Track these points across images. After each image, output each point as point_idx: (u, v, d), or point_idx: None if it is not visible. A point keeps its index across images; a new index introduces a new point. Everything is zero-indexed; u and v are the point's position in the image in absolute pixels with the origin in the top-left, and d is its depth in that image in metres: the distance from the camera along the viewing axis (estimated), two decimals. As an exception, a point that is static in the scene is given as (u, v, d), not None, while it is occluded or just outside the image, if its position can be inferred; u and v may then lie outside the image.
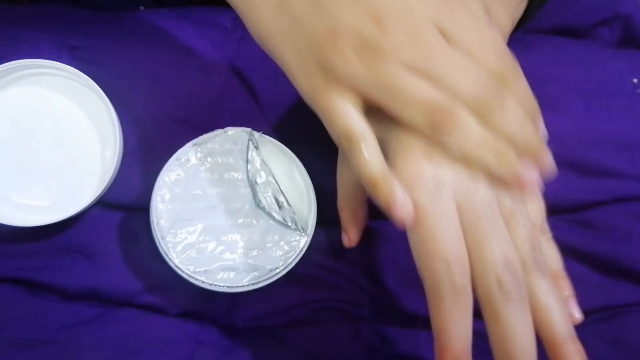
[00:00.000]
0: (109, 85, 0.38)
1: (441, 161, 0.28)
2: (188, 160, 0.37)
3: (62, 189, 0.39)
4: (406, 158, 0.28)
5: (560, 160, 0.40)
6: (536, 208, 0.31)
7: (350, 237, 0.37)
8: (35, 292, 0.38)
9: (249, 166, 0.37)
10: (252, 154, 0.37)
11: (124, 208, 0.39)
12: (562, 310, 0.28)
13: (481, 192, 0.28)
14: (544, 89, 0.36)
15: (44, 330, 0.37)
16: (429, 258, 0.27)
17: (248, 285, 0.35)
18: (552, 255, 0.32)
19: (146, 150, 0.40)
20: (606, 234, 0.37)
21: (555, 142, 0.40)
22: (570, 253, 0.37)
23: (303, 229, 0.36)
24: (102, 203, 0.39)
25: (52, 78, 0.39)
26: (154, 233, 0.36)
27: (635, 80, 0.41)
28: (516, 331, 0.27)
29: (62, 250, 0.38)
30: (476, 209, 0.27)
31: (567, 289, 0.32)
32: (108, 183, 0.38)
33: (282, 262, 0.36)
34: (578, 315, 0.31)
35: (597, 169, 0.39)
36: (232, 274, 0.35)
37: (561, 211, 0.39)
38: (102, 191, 0.38)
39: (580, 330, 0.35)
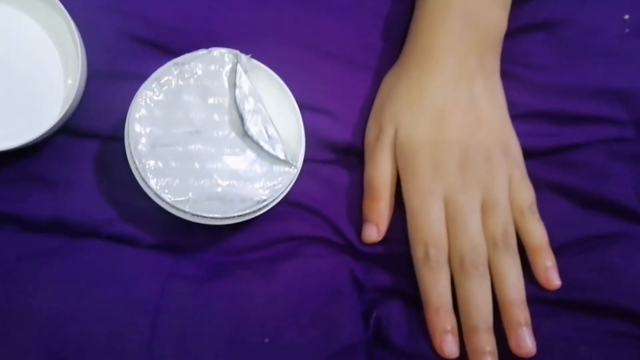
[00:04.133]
0: (73, 4, 0.35)
1: (440, 176, 0.36)
2: (169, 81, 0.34)
3: (19, 115, 0.35)
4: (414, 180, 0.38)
5: (537, 112, 0.40)
6: (525, 194, 0.37)
7: (381, 229, 0.38)
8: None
9: (237, 91, 0.34)
10: (240, 78, 0.34)
11: (96, 136, 0.36)
12: (517, 281, 0.36)
13: (464, 195, 0.36)
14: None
15: (1, 262, 0.33)
16: (414, 242, 0.37)
17: (234, 217, 0.33)
18: (538, 232, 0.37)
19: (115, 76, 0.37)
20: (587, 170, 0.38)
21: (530, 95, 0.40)
22: (550, 188, 0.38)
23: (293, 161, 0.34)
24: (69, 131, 0.35)
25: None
26: (129, 158, 0.33)
27: (627, 17, 0.41)
28: (473, 297, 0.35)
29: (21, 179, 0.35)
30: (457, 208, 0.36)
31: (549, 260, 0.37)
32: (69, 109, 0.34)
33: (270, 194, 0.34)
34: (557, 282, 0.36)
35: (575, 115, 0.40)
36: (217, 205, 0.33)
37: (541, 154, 0.39)
38: (63, 117, 0.34)
39: (562, 262, 0.36)
